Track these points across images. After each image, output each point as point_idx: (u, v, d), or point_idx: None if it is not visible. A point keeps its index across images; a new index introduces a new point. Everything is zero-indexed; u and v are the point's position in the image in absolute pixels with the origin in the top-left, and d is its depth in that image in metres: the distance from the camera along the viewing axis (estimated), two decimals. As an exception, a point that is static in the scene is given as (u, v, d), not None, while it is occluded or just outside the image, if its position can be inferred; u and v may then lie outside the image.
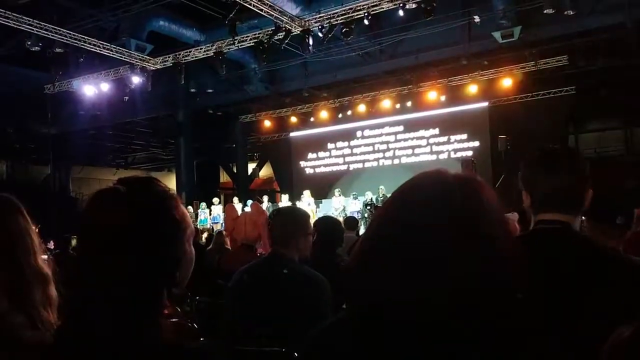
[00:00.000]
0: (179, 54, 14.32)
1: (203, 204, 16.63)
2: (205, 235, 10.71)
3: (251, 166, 22.56)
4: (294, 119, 18.95)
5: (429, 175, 0.89)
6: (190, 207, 16.82)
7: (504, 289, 0.79)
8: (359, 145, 18.16)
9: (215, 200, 16.89)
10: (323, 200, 16.53)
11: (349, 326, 0.87)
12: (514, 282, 0.81)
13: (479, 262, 0.79)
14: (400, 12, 11.58)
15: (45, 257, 1.26)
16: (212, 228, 14.69)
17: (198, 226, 14.71)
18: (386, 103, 16.90)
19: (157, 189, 0.96)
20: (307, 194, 15.56)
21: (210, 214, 16.55)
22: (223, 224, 15.70)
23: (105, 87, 15.34)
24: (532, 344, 0.82)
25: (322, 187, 16.66)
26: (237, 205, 12.88)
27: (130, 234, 0.89)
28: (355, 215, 12.81)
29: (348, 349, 0.84)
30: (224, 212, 16.49)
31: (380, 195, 14.45)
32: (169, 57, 14.53)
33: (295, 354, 1.93)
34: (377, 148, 17.77)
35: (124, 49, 13.93)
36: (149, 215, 0.92)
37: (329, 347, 0.87)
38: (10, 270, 1.12)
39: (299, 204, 14.53)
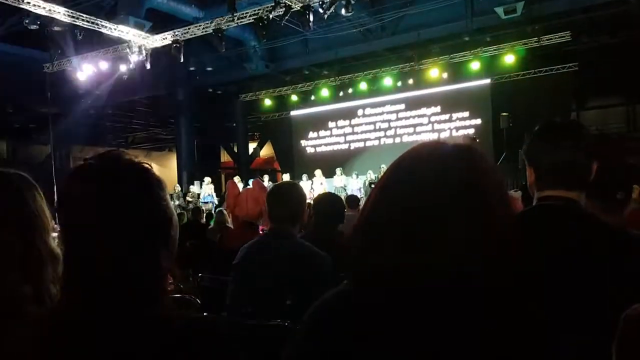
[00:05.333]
0: (178, 32, 14.17)
1: (207, 179, 16.40)
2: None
3: (252, 145, 22.51)
4: (294, 98, 18.84)
5: (427, 146, 0.89)
6: (192, 187, 16.82)
7: (503, 259, 0.79)
8: (360, 124, 18.10)
9: (207, 179, 16.41)
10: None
11: (350, 296, 0.87)
12: (513, 252, 0.81)
13: (478, 231, 0.79)
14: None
15: (55, 234, 1.27)
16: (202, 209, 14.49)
17: (200, 204, 14.69)
18: (387, 81, 16.78)
19: (127, 159, 0.97)
20: (318, 173, 15.48)
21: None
22: (214, 204, 15.67)
23: (104, 65, 15.23)
24: (532, 313, 0.82)
25: (323, 166, 16.65)
26: (239, 183, 12.82)
27: (116, 201, 0.90)
28: (357, 194, 12.83)
29: (350, 319, 0.84)
30: (215, 191, 16.37)
31: (381, 174, 14.40)
32: (167, 34, 14.38)
33: (298, 327, 1.94)
34: (379, 126, 17.72)
35: (122, 27, 13.78)
36: (130, 180, 0.93)
37: (331, 316, 0.88)
38: (25, 246, 1.14)
39: (304, 183, 14.54)
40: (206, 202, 15.50)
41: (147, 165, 0.97)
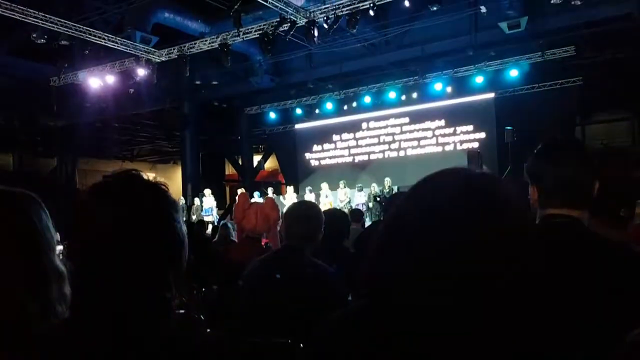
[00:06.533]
0: (184, 46, 14.30)
1: (207, 191, 16.41)
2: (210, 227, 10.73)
3: (256, 158, 22.56)
4: (299, 111, 18.92)
5: (456, 172, 0.90)
6: (196, 199, 16.82)
7: (519, 284, 0.81)
8: (365, 137, 18.14)
9: (207, 191, 16.32)
10: (328, 192, 16.51)
11: (366, 311, 0.88)
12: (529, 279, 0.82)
13: (498, 253, 0.81)
14: (406, 3, 11.52)
15: (60, 247, 1.27)
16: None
17: (202, 216, 14.66)
18: (392, 94, 16.83)
19: (144, 179, 0.99)
20: (325, 186, 15.54)
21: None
22: (216, 216, 15.62)
23: (111, 79, 15.36)
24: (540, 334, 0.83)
25: (327, 179, 16.66)
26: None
27: (132, 221, 0.91)
28: (361, 208, 12.81)
29: (366, 333, 0.85)
30: (219, 204, 16.16)
31: (386, 188, 14.39)
32: (174, 49, 14.50)
33: (301, 345, 1.94)
34: (383, 140, 17.74)
35: (129, 41, 13.92)
36: (146, 201, 0.94)
37: (348, 330, 0.89)
38: (30, 264, 1.14)
39: (307, 196, 14.53)
40: (207, 215, 15.46)
41: (163, 187, 0.98)
